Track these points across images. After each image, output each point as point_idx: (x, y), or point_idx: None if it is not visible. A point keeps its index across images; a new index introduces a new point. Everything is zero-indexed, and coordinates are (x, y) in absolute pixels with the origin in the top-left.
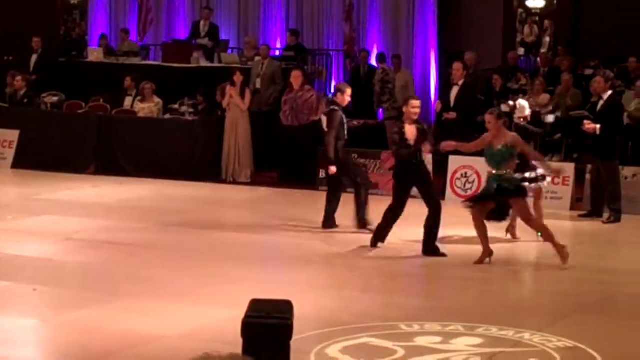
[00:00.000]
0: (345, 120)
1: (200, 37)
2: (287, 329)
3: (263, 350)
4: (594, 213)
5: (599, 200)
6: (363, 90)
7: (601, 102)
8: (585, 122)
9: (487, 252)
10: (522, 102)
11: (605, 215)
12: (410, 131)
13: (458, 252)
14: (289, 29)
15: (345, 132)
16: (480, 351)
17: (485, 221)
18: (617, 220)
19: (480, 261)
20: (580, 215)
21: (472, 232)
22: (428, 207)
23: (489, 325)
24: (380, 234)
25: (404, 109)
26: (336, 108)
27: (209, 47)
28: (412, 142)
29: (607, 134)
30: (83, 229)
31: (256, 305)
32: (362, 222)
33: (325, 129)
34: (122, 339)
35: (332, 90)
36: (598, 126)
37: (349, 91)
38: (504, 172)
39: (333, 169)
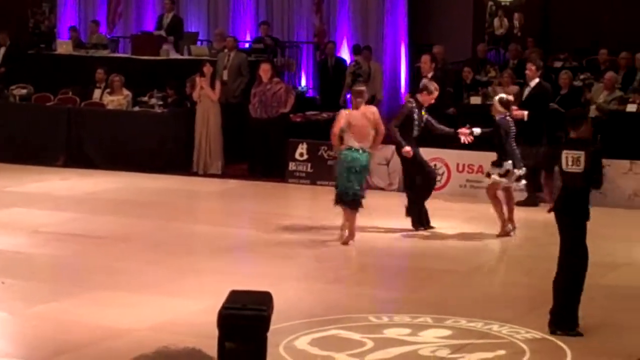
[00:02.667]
0: (416, 117)
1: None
2: (263, 321)
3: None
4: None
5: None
6: (331, 83)
7: (528, 89)
8: (513, 108)
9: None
10: (495, 98)
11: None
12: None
13: (428, 245)
14: (261, 22)
15: (415, 130)
16: (449, 343)
17: None
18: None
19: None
20: (516, 203)
21: (442, 225)
22: None
23: (457, 317)
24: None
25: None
26: (411, 101)
27: (167, 39)
28: None
29: (534, 120)
30: (52, 221)
31: (235, 297)
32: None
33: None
34: (92, 331)
35: (304, 83)
36: (526, 112)
37: (436, 93)
38: None
39: (407, 149)
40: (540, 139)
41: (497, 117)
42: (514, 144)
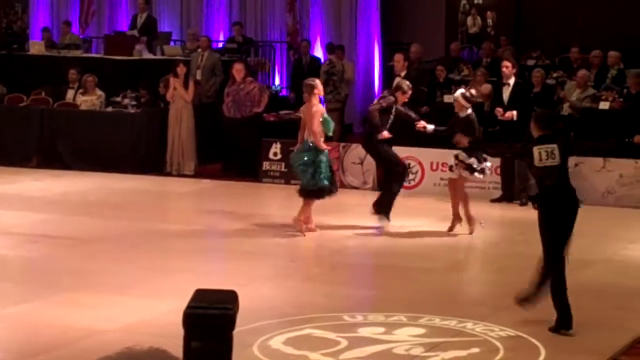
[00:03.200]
0: (393, 112)
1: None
2: (228, 320)
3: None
4: (505, 198)
5: (510, 185)
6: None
7: (508, 88)
8: (499, 109)
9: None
10: (456, 95)
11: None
12: None
13: (402, 243)
14: (235, 22)
15: (389, 122)
16: (423, 341)
17: None
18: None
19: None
20: (491, 200)
21: (416, 223)
22: None
23: (431, 315)
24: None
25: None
26: (391, 97)
27: (140, 39)
28: None
29: (522, 119)
30: (24, 222)
31: (199, 296)
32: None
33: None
34: (64, 333)
35: (277, 82)
36: (515, 112)
37: (409, 92)
38: None
39: (385, 133)
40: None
41: (461, 114)
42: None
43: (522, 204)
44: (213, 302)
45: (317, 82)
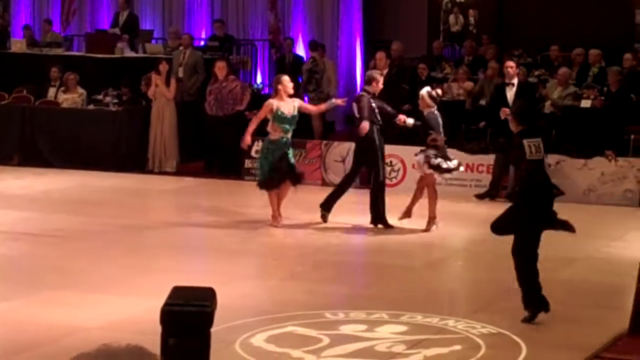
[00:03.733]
0: (374, 105)
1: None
2: (206, 317)
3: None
4: (489, 194)
5: (498, 182)
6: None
7: (512, 88)
8: (505, 109)
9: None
10: (422, 93)
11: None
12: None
13: (384, 241)
14: (216, 19)
15: (379, 117)
16: (404, 338)
17: None
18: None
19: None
20: (476, 195)
21: (396, 221)
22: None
23: (413, 312)
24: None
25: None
26: (364, 93)
27: (121, 37)
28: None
29: None
30: (6, 220)
31: (177, 293)
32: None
33: (357, 115)
34: (46, 331)
35: (259, 81)
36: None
37: (381, 78)
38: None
39: (365, 125)
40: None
41: (426, 112)
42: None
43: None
44: (190, 299)
45: (283, 79)
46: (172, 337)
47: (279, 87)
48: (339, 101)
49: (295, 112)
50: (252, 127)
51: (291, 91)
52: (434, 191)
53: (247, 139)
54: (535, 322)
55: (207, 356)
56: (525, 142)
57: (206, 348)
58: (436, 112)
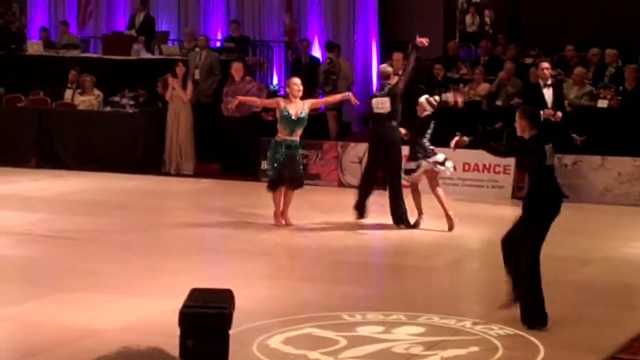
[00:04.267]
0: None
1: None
2: (224, 319)
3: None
4: None
5: None
6: (305, 81)
7: (550, 90)
8: (549, 111)
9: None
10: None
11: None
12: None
13: (400, 242)
14: (232, 20)
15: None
16: (422, 340)
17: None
18: None
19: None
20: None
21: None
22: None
23: (430, 314)
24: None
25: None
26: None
27: (137, 39)
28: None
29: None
30: (23, 222)
31: (195, 295)
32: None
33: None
34: (63, 333)
35: (275, 82)
36: (560, 113)
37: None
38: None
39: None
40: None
41: (421, 116)
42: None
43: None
44: (208, 302)
45: (290, 81)
46: (191, 339)
47: (287, 89)
48: (354, 99)
49: (303, 114)
50: (249, 99)
51: (297, 93)
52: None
53: (235, 102)
54: (553, 322)
55: (225, 358)
56: (547, 147)
57: (225, 349)
58: (429, 115)
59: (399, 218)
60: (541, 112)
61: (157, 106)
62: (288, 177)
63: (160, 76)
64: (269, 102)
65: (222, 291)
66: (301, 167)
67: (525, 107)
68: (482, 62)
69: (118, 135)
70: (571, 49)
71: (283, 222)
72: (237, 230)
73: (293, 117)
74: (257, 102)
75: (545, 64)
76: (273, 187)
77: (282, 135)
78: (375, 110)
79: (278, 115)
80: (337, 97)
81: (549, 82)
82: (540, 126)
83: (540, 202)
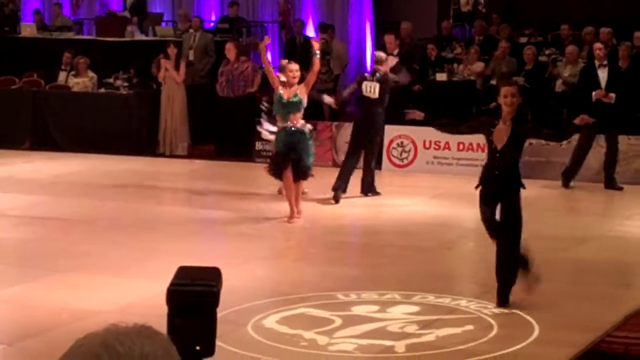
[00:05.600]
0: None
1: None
2: (212, 296)
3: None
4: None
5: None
6: (300, 62)
7: (605, 70)
8: (601, 91)
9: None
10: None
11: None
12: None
13: (396, 222)
14: (231, 1)
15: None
16: (417, 319)
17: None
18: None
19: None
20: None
21: (409, 201)
22: None
23: (425, 293)
24: None
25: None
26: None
27: (131, 21)
28: None
29: (619, 103)
30: (17, 204)
31: (182, 273)
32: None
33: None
34: (58, 314)
35: None
36: (613, 95)
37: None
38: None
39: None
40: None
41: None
42: None
43: (619, 188)
44: (196, 279)
45: (287, 67)
46: (179, 317)
47: (282, 74)
48: (331, 101)
49: (295, 99)
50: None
51: (292, 80)
52: None
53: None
54: (548, 300)
55: (213, 335)
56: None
57: (212, 327)
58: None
59: (369, 187)
60: (593, 93)
61: (151, 88)
62: (290, 166)
63: (154, 57)
64: (274, 78)
65: (210, 269)
66: (308, 156)
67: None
68: (477, 41)
69: (112, 117)
70: (566, 28)
71: (297, 215)
72: (232, 212)
73: (284, 100)
74: (271, 71)
75: (599, 44)
76: (273, 173)
77: (280, 122)
78: (365, 94)
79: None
80: (324, 99)
81: (604, 62)
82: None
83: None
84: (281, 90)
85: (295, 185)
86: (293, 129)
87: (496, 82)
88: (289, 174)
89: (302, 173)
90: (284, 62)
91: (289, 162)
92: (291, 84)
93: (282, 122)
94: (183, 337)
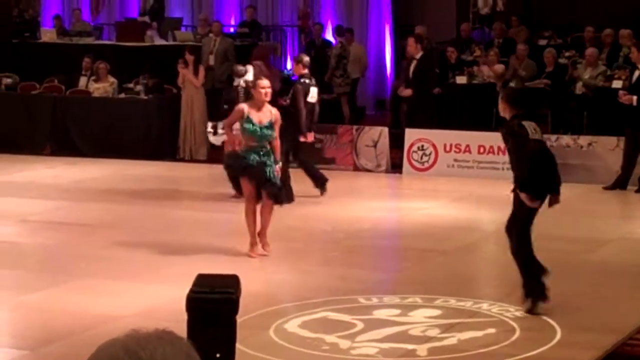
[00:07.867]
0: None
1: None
2: (231, 304)
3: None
4: (618, 185)
5: (628, 171)
6: (319, 65)
7: (637, 73)
8: (621, 92)
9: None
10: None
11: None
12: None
13: (416, 225)
14: (248, 5)
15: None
16: (438, 322)
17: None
18: None
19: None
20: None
21: (430, 205)
22: None
23: (447, 296)
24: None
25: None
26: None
27: (151, 25)
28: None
29: None
30: (39, 210)
31: (201, 280)
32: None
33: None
34: (80, 319)
35: (289, 67)
36: (635, 97)
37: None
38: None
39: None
40: None
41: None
42: None
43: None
44: (215, 287)
45: (258, 83)
46: (198, 324)
47: (253, 91)
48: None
49: (269, 131)
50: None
51: (263, 97)
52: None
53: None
54: (570, 303)
55: (232, 342)
56: (524, 123)
57: (231, 334)
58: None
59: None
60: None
61: (171, 92)
62: (259, 183)
63: (174, 62)
64: (233, 118)
65: (228, 276)
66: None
67: (509, 88)
68: (496, 44)
69: (133, 121)
70: (591, 30)
71: (260, 247)
72: None
73: (259, 133)
74: (231, 127)
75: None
76: (233, 175)
77: (249, 141)
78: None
79: (239, 126)
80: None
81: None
82: (523, 107)
83: (533, 179)
84: (250, 113)
85: (267, 209)
86: (262, 152)
87: (515, 84)
88: (254, 193)
89: (274, 195)
90: (304, 56)
91: (260, 179)
92: (262, 103)
93: (251, 142)
94: (202, 344)
